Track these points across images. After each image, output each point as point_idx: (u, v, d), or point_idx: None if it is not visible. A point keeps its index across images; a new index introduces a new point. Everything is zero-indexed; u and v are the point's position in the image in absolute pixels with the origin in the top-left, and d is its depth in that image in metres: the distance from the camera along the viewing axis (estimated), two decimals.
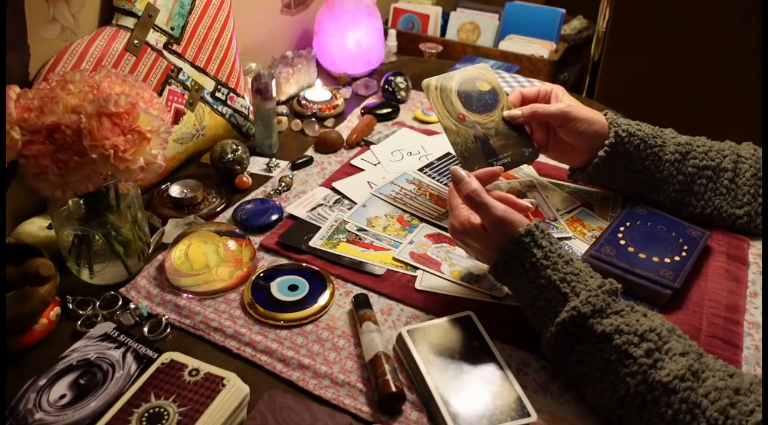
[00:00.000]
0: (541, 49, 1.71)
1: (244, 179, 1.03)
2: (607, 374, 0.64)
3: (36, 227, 0.86)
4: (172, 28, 0.99)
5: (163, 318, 0.77)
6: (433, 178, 1.05)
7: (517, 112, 0.92)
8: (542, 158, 1.01)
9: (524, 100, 0.95)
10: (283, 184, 1.02)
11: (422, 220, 0.95)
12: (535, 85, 0.96)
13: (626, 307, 0.68)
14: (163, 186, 1.00)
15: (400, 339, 0.73)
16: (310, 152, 1.14)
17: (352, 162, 1.10)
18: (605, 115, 0.93)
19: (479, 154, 0.90)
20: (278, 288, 0.81)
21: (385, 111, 1.25)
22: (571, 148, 0.93)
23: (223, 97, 1.09)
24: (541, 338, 0.71)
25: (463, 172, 0.77)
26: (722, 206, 0.92)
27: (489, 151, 0.90)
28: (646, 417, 0.61)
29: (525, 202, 0.77)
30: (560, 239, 0.91)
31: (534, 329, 0.74)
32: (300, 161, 1.09)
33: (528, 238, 0.70)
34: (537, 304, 0.70)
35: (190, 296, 0.81)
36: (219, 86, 1.08)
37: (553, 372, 0.72)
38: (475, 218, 0.75)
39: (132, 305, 0.78)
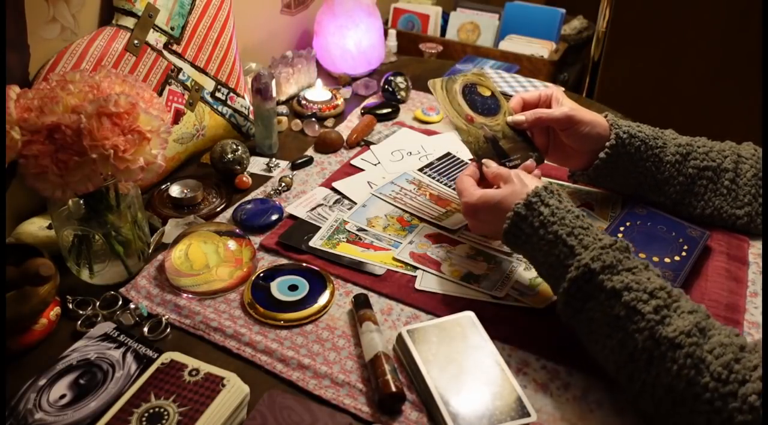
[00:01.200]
0: (541, 49, 1.71)
1: (244, 179, 1.03)
2: (617, 330, 0.65)
3: (36, 227, 0.86)
4: (172, 28, 0.99)
5: (163, 318, 0.77)
6: (433, 178, 1.05)
7: (520, 117, 0.91)
8: None
9: (525, 106, 0.94)
10: (283, 184, 1.02)
11: (422, 220, 0.95)
12: (534, 90, 0.95)
13: (640, 264, 0.68)
14: (163, 186, 1.00)
15: (400, 339, 0.73)
16: (310, 152, 1.14)
17: (352, 162, 1.10)
18: (606, 117, 0.93)
19: (492, 154, 0.89)
20: (278, 288, 0.81)
21: (385, 111, 1.25)
22: (572, 151, 0.93)
23: (223, 97, 1.09)
24: (557, 297, 0.72)
25: (487, 160, 0.86)
26: (722, 207, 0.92)
27: (500, 152, 0.89)
28: (654, 372, 0.62)
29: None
30: None
31: (532, 327, 0.75)
32: (300, 161, 1.09)
33: (535, 198, 0.74)
34: (548, 261, 0.72)
35: (190, 296, 0.81)
36: (219, 86, 1.08)
37: (554, 371, 0.72)
38: (490, 191, 0.80)
39: (132, 305, 0.78)
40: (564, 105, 0.91)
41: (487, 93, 0.96)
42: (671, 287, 0.66)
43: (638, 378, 0.64)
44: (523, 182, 0.78)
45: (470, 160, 0.90)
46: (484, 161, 0.86)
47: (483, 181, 0.85)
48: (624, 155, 0.91)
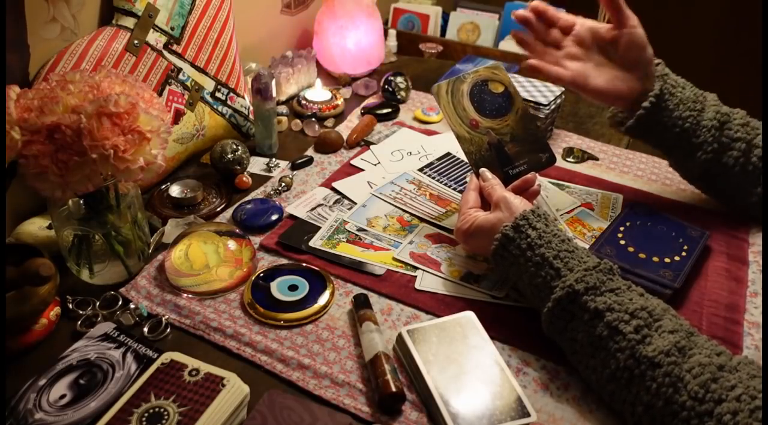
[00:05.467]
0: None
1: (244, 179, 1.03)
2: (599, 350, 0.67)
3: (36, 227, 0.86)
4: (172, 28, 0.99)
5: (163, 318, 0.77)
6: (433, 178, 1.05)
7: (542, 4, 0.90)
8: None
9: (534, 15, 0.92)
10: (283, 184, 1.02)
11: (422, 220, 0.95)
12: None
13: (623, 285, 0.70)
14: (163, 186, 1.00)
15: (400, 339, 0.73)
16: (310, 152, 1.14)
17: (352, 162, 1.10)
18: (657, 65, 0.91)
19: (494, 162, 0.88)
20: (278, 288, 0.81)
21: (385, 111, 1.25)
22: (619, 76, 0.90)
23: (223, 97, 1.09)
24: (541, 317, 0.73)
25: (487, 174, 0.86)
26: (742, 184, 0.91)
27: (504, 158, 0.88)
28: (634, 390, 0.63)
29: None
30: None
31: (532, 327, 0.75)
32: (300, 161, 1.09)
33: (523, 221, 0.75)
34: (534, 282, 0.73)
35: (190, 296, 0.81)
36: (219, 86, 1.08)
37: (554, 371, 0.72)
38: (483, 215, 0.81)
39: (132, 305, 0.78)
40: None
41: (500, 89, 0.93)
42: (654, 306, 0.67)
43: (619, 397, 0.65)
44: (509, 208, 0.79)
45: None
46: (481, 171, 0.87)
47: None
48: (665, 110, 0.89)
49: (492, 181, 0.85)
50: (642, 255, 0.84)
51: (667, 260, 0.84)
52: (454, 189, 1.03)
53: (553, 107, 1.13)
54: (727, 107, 0.93)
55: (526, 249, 0.74)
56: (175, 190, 0.97)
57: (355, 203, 0.98)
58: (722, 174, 0.91)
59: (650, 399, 0.62)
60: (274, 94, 1.10)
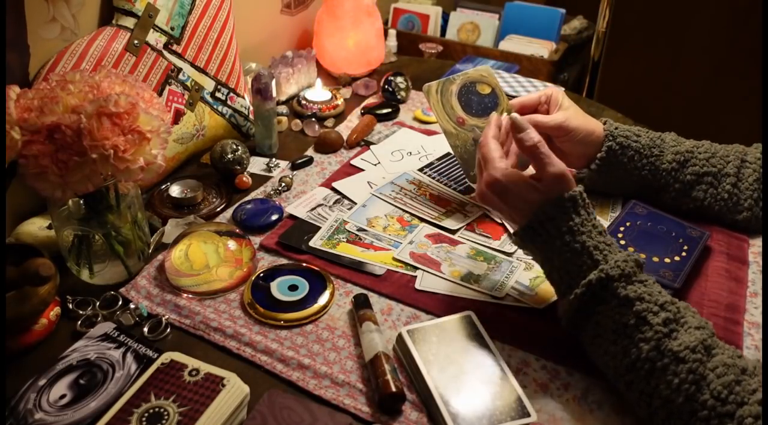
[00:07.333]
0: (541, 49, 1.71)
1: (244, 179, 1.03)
2: (622, 337, 0.66)
3: (36, 227, 0.86)
4: (172, 28, 0.99)
5: (163, 318, 0.77)
6: (433, 178, 1.05)
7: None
8: None
9: (525, 108, 0.93)
10: (283, 184, 1.02)
11: (422, 220, 0.95)
12: (534, 92, 0.95)
13: (649, 279, 0.69)
14: (163, 186, 1.00)
15: (400, 339, 0.73)
16: (310, 152, 1.14)
17: (352, 162, 1.10)
18: (605, 123, 0.93)
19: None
20: (278, 288, 0.81)
21: (385, 111, 1.25)
22: (566, 155, 0.94)
23: (223, 97, 1.09)
24: (561, 301, 0.72)
25: (524, 122, 0.74)
26: (721, 212, 0.93)
27: None
28: (653, 383, 0.63)
29: None
30: None
31: (532, 327, 0.75)
32: (300, 161, 1.09)
33: (570, 203, 0.70)
34: (566, 267, 0.70)
35: (190, 296, 0.81)
36: (219, 86, 1.08)
37: (553, 371, 0.72)
38: (527, 180, 0.73)
39: (132, 305, 0.78)
40: (563, 109, 0.91)
41: (487, 91, 0.97)
42: (678, 302, 0.67)
43: (637, 387, 0.64)
44: (569, 179, 0.71)
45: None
46: (513, 116, 0.74)
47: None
48: (617, 165, 0.92)
49: (531, 133, 0.73)
50: (642, 255, 0.84)
51: (667, 260, 0.84)
52: (454, 189, 1.03)
53: None
54: (690, 143, 0.94)
55: (566, 233, 0.69)
56: (175, 190, 0.97)
57: (355, 203, 0.98)
58: (697, 207, 0.94)
59: (670, 394, 0.61)
60: (274, 94, 1.10)
